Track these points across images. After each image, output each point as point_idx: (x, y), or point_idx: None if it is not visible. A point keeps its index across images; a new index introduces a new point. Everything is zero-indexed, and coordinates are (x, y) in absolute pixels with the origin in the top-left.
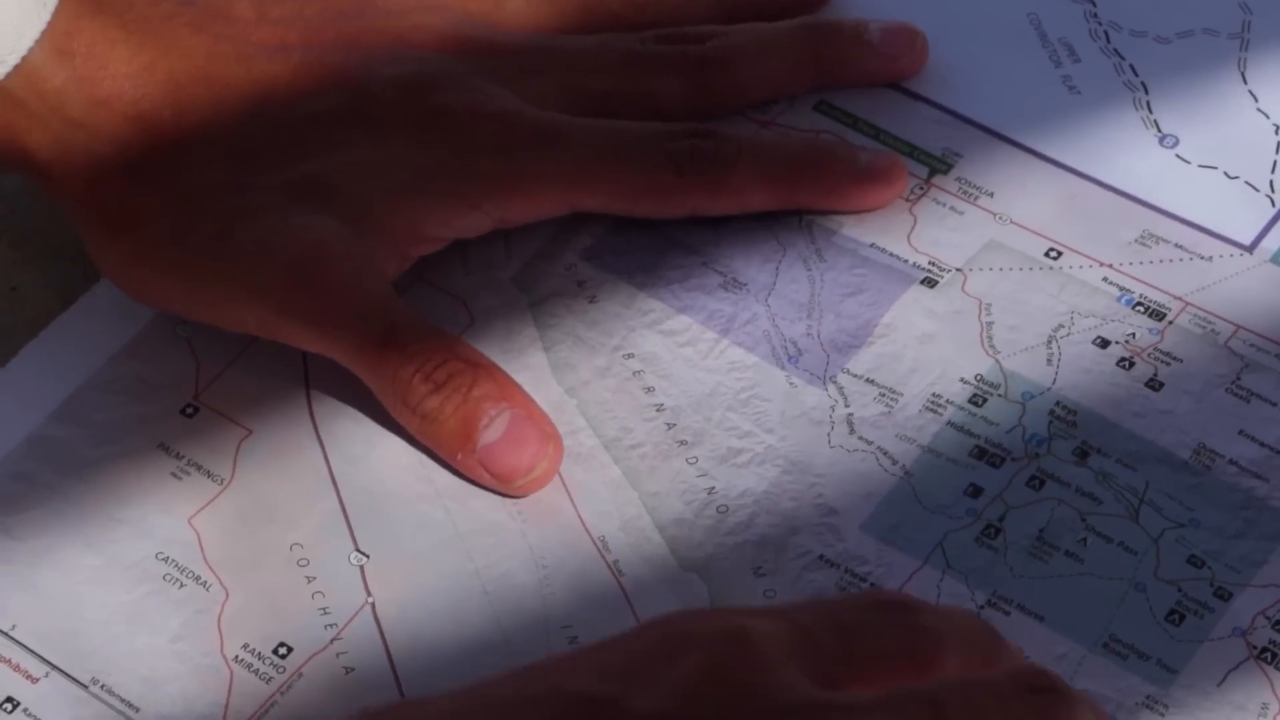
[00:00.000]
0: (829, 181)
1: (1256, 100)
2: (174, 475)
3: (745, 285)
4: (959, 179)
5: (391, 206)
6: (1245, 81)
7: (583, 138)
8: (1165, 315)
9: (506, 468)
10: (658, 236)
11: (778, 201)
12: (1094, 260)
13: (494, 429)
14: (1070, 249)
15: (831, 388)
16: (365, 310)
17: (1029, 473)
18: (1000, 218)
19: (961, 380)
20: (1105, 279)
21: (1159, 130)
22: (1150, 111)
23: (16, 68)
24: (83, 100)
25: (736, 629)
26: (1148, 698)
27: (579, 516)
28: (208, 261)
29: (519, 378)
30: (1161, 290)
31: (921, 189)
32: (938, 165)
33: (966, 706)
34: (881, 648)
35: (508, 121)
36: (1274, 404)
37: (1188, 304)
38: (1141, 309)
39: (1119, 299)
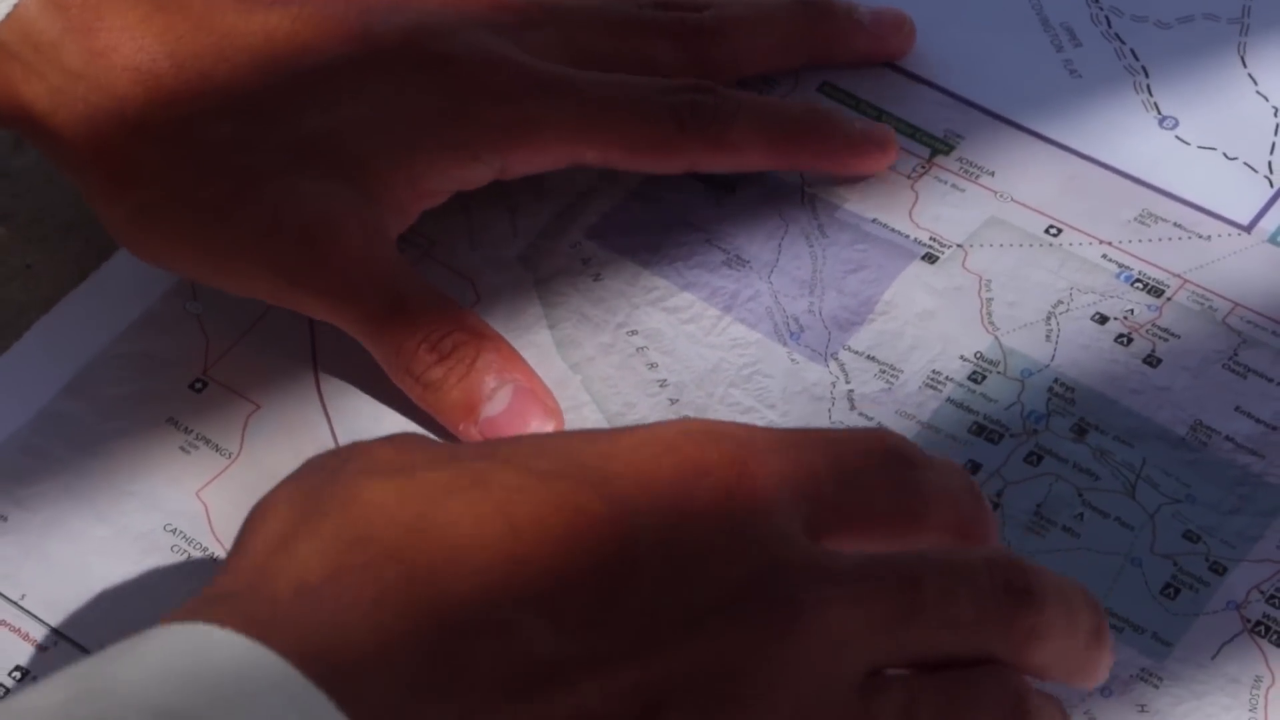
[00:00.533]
0: (827, 144)
1: (1256, 83)
2: (182, 449)
3: (748, 262)
4: (961, 159)
5: (395, 159)
6: (1245, 65)
7: (586, 88)
8: (1164, 292)
9: None
10: (662, 214)
11: (775, 161)
12: (1093, 238)
13: (497, 401)
14: (1070, 226)
15: (833, 364)
16: (375, 281)
17: (1027, 449)
18: (1001, 195)
19: (961, 357)
20: (1104, 256)
21: (1159, 112)
22: (1150, 94)
23: (10, 19)
24: (80, 52)
25: (745, 463)
26: (1143, 670)
27: None
28: (217, 227)
29: (524, 354)
30: (1160, 267)
31: (923, 167)
32: (939, 146)
33: (941, 589)
34: (875, 502)
35: (511, 70)
36: (1271, 380)
37: (1186, 281)
38: (1140, 286)
39: (1118, 276)
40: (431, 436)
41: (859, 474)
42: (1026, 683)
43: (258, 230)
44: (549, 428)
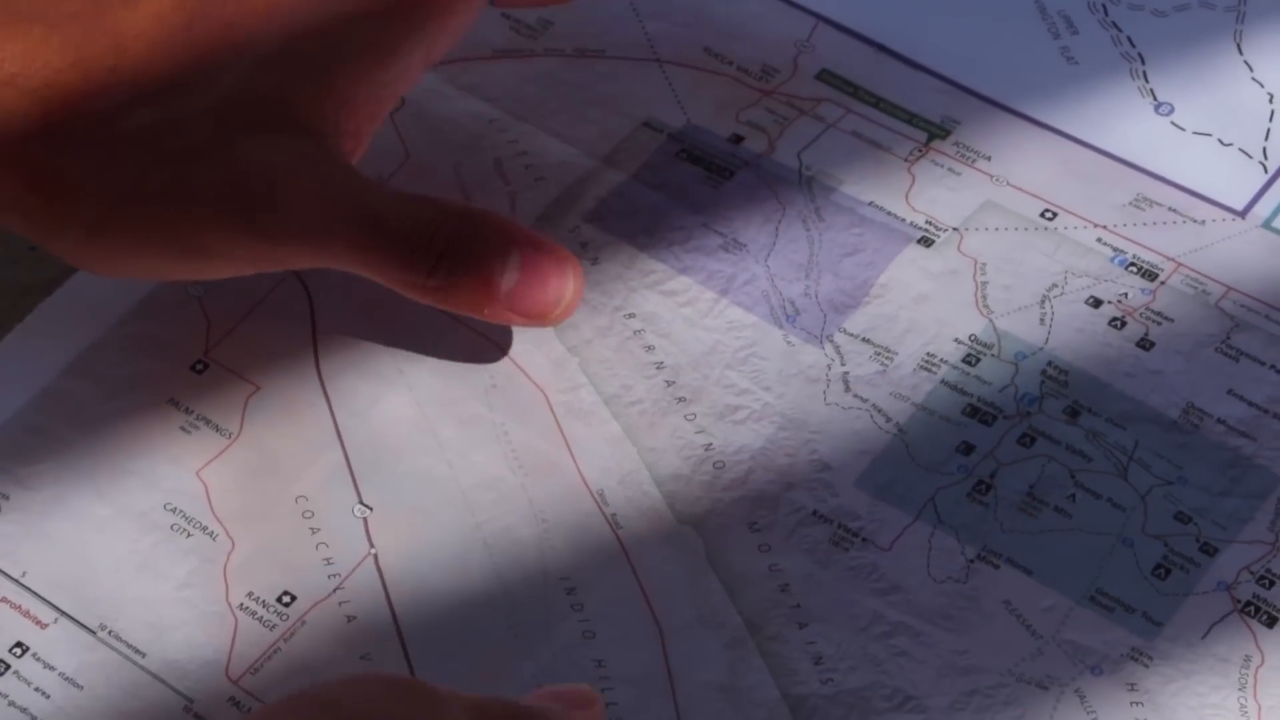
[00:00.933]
0: None
1: (1252, 70)
2: (183, 429)
3: (745, 246)
4: (957, 143)
5: (318, 88)
6: (1241, 52)
7: None
8: (1157, 276)
9: (536, 306)
10: (660, 199)
11: None
12: (1088, 221)
13: (510, 274)
14: (1065, 210)
15: (828, 346)
16: (345, 212)
17: (1020, 430)
18: (997, 179)
19: (955, 340)
20: (1099, 240)
21: (1155, 98)
22: (1146, 81)
23: None
24: None
25: None
26: (1133, 649)
27: (579, 471)
28: (174, 215)
29: (522, 337)
30: (1154, 251)
31: (920, 151)
32: (936, 131)
33: None
34: None
35: None
36: (1263, 363)
37: (1180, 265)
38: (1134, 269)
39: (1112, 259)
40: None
41: None
42: None
43: (215, 204)
44: (568, 280)
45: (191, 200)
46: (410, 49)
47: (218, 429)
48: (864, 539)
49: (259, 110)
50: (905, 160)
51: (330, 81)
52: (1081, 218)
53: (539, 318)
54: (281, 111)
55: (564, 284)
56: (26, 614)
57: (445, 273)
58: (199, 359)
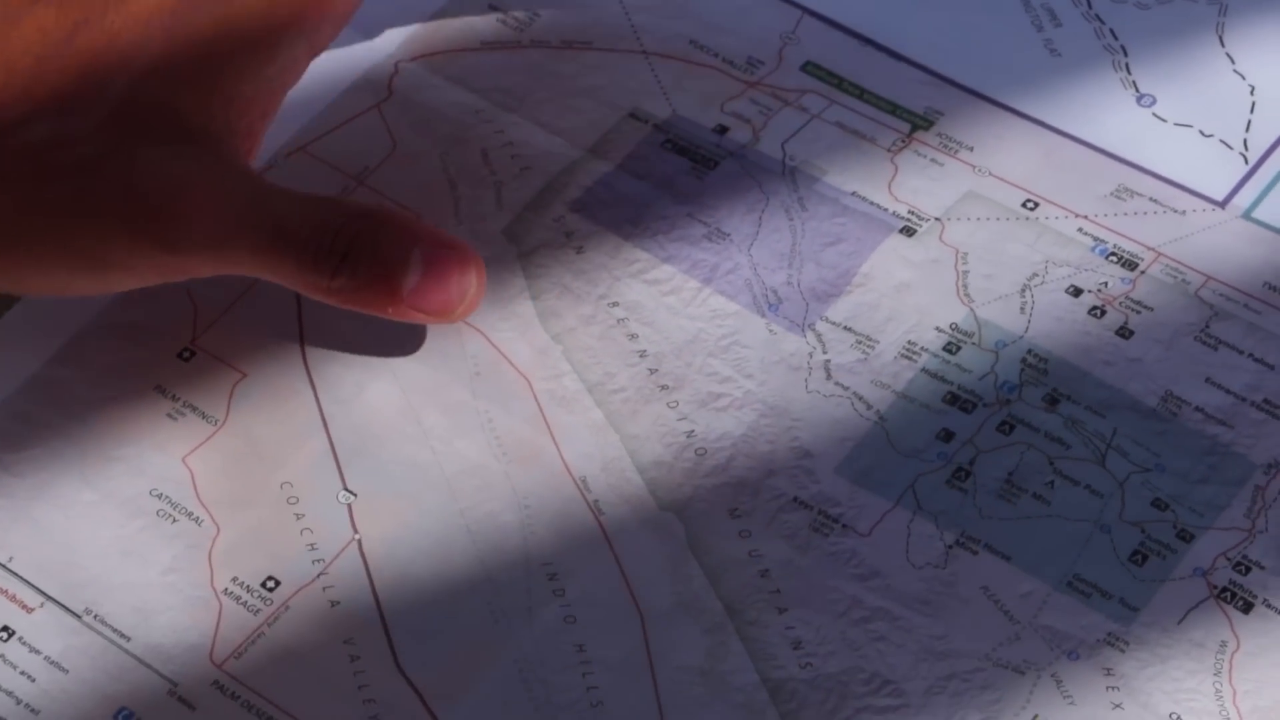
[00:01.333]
0: None
1: (1234, 62)
2: (169, 416)
3: (729, 235)
4: (940, 134)
5: (205, 89)
6: (1223, 44)
7: None
8: (1138, 265)
9: (439, 304)
10: (645, 188)
11: None
12: (1070, 211)
13: (412, 274)
14: (1047, 200)
15: (810, 335)
16: (245, 218)
17: (1000, 418)
18: (979, 170)
19: (936, 328)
20: (1080, 229)
21: (1137, 90)
22: (1129, 73)
23: None
24: None
25: None
26: (1109, 634)
27: (561, 458)
28: (77, 231)
29: (506, 325)
30: (1135, 241)
31: (903, 142)
32: (920, 121)
33: None
34: None
35: None
36: (1241, 352)
37: (1160, 254)
38: (1115, 259)
39: (1093, 249)
40: None
41: None
42: None
43: (116, 217)
44: (470, 275)
45: (92, 213)
46: (292, 42)
47: (204, 416)
48: (844, 525)
49: (152, 119)
50: (888, 151)
51: (216, 82)
52: (1063, 208)
53: (443, 315)
54: (174, 118)
55: (466, 281)
56: (13, 598)
57: (348, 274)
58: (186, 347)
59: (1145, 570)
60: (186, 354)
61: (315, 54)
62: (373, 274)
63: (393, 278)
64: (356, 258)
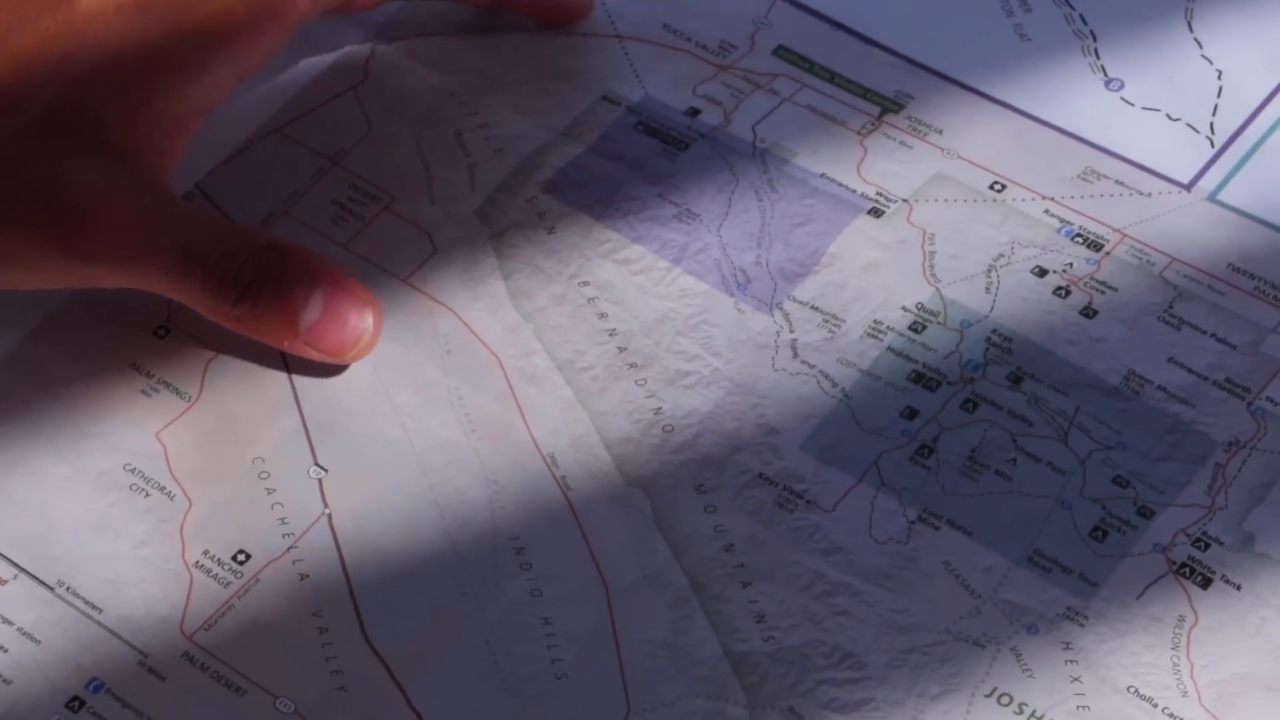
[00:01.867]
0: None
1: (1201, 47)
2: (144, 392)
3: (698, 216)
4: (910, 117)
5: (131, 104)
6: (1191, 30)
7: None
8: (1103, 246)
9: (334, 344)
10: (616, 170)
11: None
12: (1036, 193)
13: (312, 310)
14: (1014, 182)
15: (778, 314)
16: (158, 240)
17: (964, 396)
18: (948, 152)
19: (903, 308)
20: (1046, 211)
21: (1105, 74)
22: (1098, 57)
23: None
24: None
25: None
26: (1069, 609)
27: (530, 435)
28: None
29: (478, 304)
30: (1100, 222)
31: (873, 125)
32: (890, 105)
33: None
34: None
35: None
36: (1204, 332)
37: (1125, 236)
38: (1080, 240)
39: (1059, 230)
40: None
41: None
42: None
43: (34, 223)
44: (368, 316)
45: (8, 215)
46: (219, 66)
47: (178, 392)
48: (808, 501)
49: (78, 128)
50: (858, 133)
51: (145, 100)
52: (1030, 189)
53: (336, 355)
54: (100, 130)
55: (363, 324)
56: None
57: (249, 303)
58: (160, 324)
59: (1105, 546)
60: (161, 331)
61: (240, 81)
62: (273, 307)
63: (291, 313)
64: (259, 289)
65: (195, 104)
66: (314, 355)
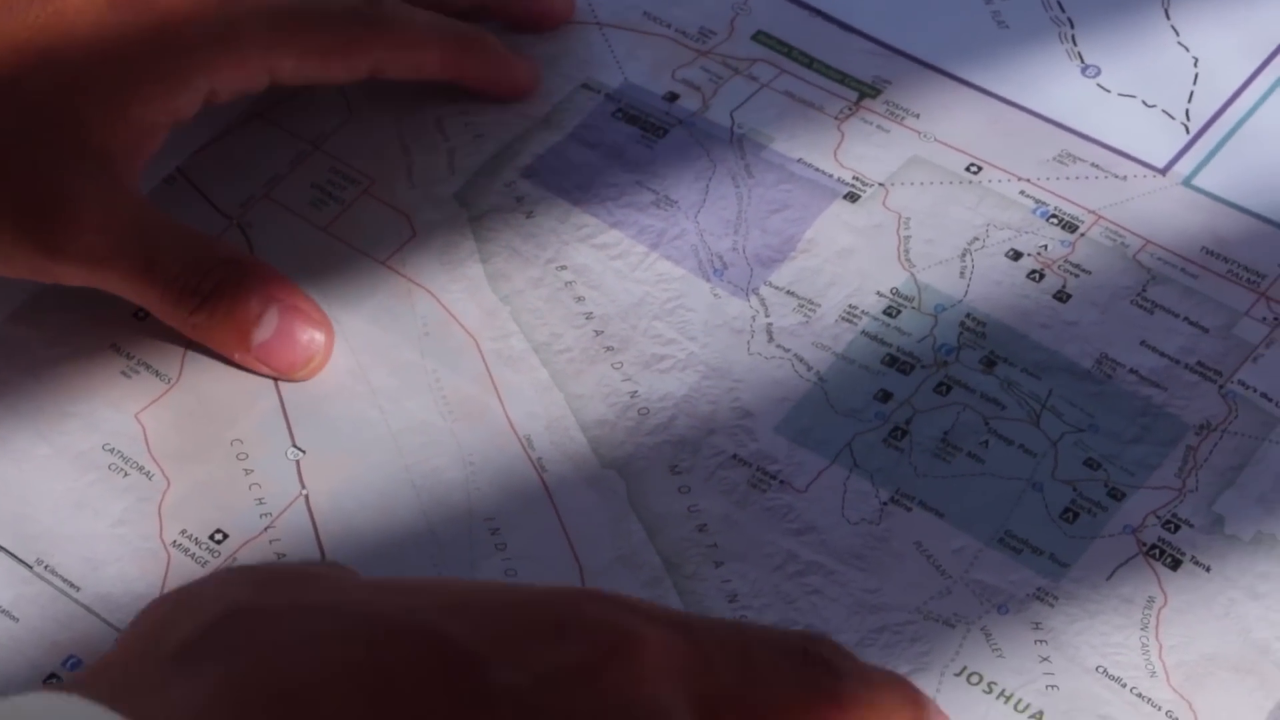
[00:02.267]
0: (487, 56)
1: (1178, 34)
2: (124, 374)
3: (676, 202)
4: (887, 101)
5: (109, 106)
6: (1168, 17)
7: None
8: (1078, 228)
9: (284, 362)
10: (595, 156)
11: (445, 64)
12: (1012, 175)
13: (265, 327)
14: (990, 164)
15: (754, 299)
16: (122, 243)
17: (937, 379)
18: (924, 136)
19: (877, 293)
20: (1022, 192)
21: (1082, 61)
22: (1075, 44)
23: None
24: None
25: (629, 634)
26: (1039, 589)
27: (506, 416)
28: None
29: (456, 287)
30: (1076, 203)
31: (850, 109)
32: (867, 90)
33: None
34: (782, 701)
35: None
36: (1177, 315)
37: (1100, 217)
38: (1055, 221)
39: (1034, 211)
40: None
41: (765, 667)
42: None
43: (9, 215)
44: (319, 338)
45: None
46: (199, 83)
47: (157, 374)
48: (781, 481)
49: (58, 128)
50: (836, 118)
51: (124, 105)
52: (1005, 171)
53: (286, 373)
54: (80, 130)
55: (314, 345)
56: None
57: (206, 314)
58: (140, 307)
59: (1076, 527)
60: (141, 314)
61: (214, 101)
62: (227, 320)
63: (244, 327)
64: (216, 301)
65: (169, 115)
66: (264, 371)
